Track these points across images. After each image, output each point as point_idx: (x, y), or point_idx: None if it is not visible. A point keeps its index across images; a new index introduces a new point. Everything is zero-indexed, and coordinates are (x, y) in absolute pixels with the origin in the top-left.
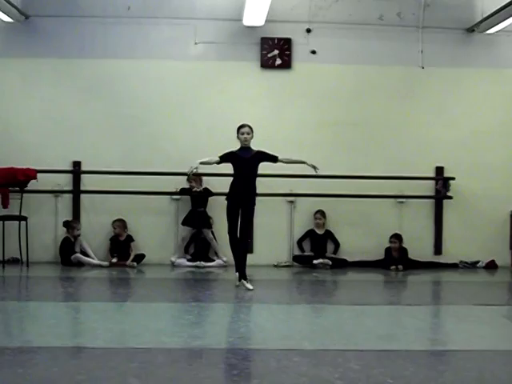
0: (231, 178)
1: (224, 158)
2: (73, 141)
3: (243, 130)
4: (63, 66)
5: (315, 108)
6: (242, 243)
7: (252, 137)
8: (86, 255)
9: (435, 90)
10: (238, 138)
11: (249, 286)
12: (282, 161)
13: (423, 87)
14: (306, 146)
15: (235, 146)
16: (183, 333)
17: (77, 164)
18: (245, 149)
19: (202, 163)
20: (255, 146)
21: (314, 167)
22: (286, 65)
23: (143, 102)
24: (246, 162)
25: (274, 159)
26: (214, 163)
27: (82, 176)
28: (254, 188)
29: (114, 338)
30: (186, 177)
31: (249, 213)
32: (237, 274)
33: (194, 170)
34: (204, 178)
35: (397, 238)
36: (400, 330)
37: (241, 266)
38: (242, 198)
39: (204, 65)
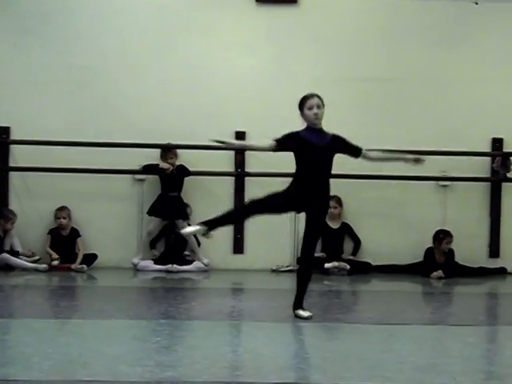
0: (214, 152)
1: (283, 143)
2: None
3: (312, 102)
4: None
5: (332, 58)
6: (303, 264)
7: (323, 112)
8: (15, 255)
9: (494, 33)
10: (302, 115)
11: (305, 314)
12: (368, 157)
13: (478, 30)
14: None
15: (224, 108)
16: (149, 360)
17: (4, 131)
18: (314, 131)
19: (242, 147)
20: (247, 109)
21: (418, 160)
22: None
23: (96, 47)
24: (319, 150)
25: (357, 152)
26: (264, 149)
27: (12, 147)
28: (328, 190)
29: (55, 367)
30: (155, 151)
31: (317, 223)
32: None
33: (221, 144)
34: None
35: (447, 235)
36: (443, 358)
37: (299, 292)
38: (310, 203)
39: None
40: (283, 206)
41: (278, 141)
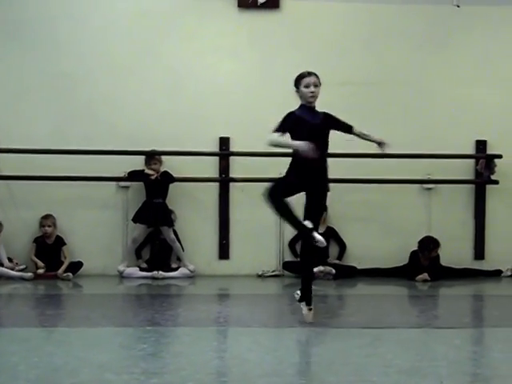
0: (198, 158)
1: (286, 128)
2: None
3: (309, 81)
4: None
5: (314, 63)
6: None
7: (319, 92)
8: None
9: (476, 36)
10: (297, 92)
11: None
12: (356, 134)
13: (460, 33)
14: None
15: (207, 114)
16: (135, 368)
17: None
18: (309, 109)
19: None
20: (231, 114)
21: (380, 143)
22: (273, 3)
23: (79, 54)
24: (315, 129)
25: (348, 129)
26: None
27: None
28: (326, 167)
29: (42, 376)
30: (139, 157)
31: (319, 199)
32: (298, 292)
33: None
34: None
35: (436, 245)
36: (429, 361)
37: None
38: (310, 182)
39: (163, 4)
40: (287, 191)
41: (280, 128)
